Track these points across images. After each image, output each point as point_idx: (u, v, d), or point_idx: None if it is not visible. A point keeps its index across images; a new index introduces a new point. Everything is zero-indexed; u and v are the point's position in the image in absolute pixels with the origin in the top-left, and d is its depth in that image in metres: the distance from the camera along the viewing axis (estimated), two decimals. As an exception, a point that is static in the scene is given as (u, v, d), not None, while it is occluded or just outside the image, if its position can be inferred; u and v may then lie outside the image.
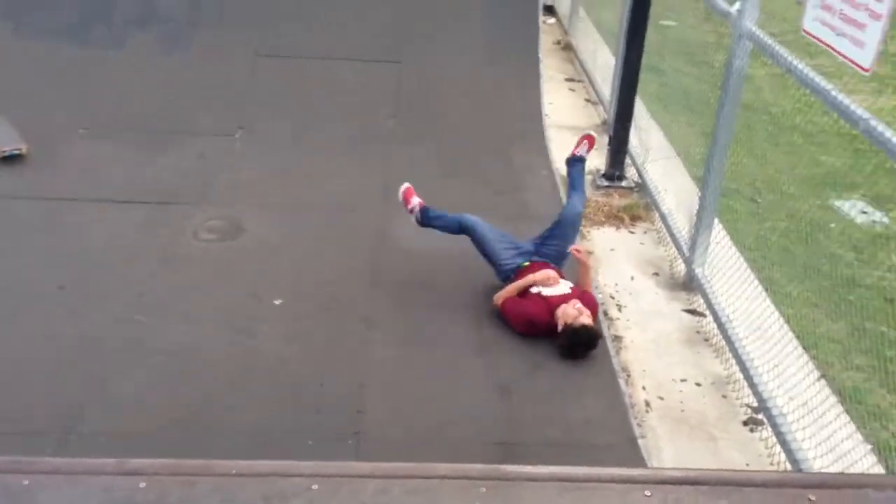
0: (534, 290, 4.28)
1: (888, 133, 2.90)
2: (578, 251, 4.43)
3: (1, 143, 5.68)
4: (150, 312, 4.27)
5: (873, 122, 3.02)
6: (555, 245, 4.57)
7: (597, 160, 6.35)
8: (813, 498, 1.57)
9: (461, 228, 4.64)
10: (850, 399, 3.58)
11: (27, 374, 3.80)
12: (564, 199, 5.67)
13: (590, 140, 5.04)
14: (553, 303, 4.18)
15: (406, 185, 4.91)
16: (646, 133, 6.35)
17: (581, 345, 4.06)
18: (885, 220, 5.50)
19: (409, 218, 4.81)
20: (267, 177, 5.79)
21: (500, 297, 4.34)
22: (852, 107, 3.17)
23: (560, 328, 4.09)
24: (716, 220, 4.70)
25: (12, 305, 4.27)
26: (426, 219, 4.73)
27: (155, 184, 5.57)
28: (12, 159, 5.69)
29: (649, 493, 1.57)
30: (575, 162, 4.98)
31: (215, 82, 6.79)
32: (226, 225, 5.14)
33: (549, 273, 4.34)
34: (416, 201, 4.78)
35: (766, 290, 4.37)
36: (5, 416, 3.53)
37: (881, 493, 1.63)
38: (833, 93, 3.32)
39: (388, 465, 1.71)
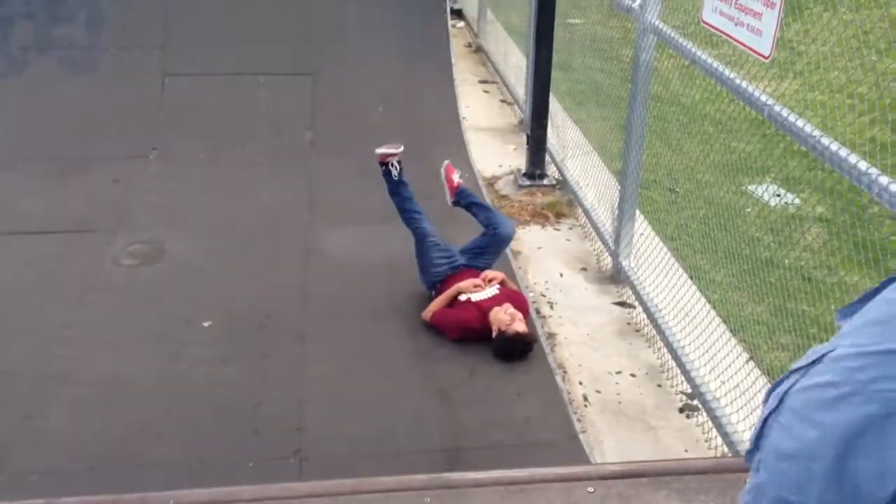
0: (462, 297, 4.28)
1: (791, 117, 3.00)
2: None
3: None
4: (73, 344, 4.12)
5: (777, 108, 3.12)
6: (487, 259, 4.59)
7: (517, 160, 6.43)
8: (753, 480, 1.60)
9: (410, 227, 4.61)
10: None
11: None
12: (487, 200, 5.72)
13: (448, 169, 5.00)
14: (485, 307, 4.19)
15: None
16: (562, 130, 6.45)
17: (516, 352, 4.09)
18: (797, 201, 5.69)
19: (336, 233, 4.76)
20: (186, 197, 5.67)
21: (428, 311, 4.33)
22: (756, 93, 3.27)
23: (494, 334, 4.10)
24: (637, 212, 4.79)
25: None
26: (460, 198, 4.78)
27: (69, 212, 5.39)
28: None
29: (592, 490, 1.59)
30: (463, 195, 4.87)
31: (124, 105, 6.59)
32: (147, 249, 5.00)
33: (473, 281, 4.35)
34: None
35: (692, 277, 4.48)
36: (-76, 465, 3.37)
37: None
38: (737, 81, 3.42)
39: (331, 483, 1.69)
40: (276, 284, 4.70)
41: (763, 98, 3.12)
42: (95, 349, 4.09)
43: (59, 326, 4.25)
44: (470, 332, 4.17)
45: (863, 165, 2.48)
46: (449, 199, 4.91)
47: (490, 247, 4.60)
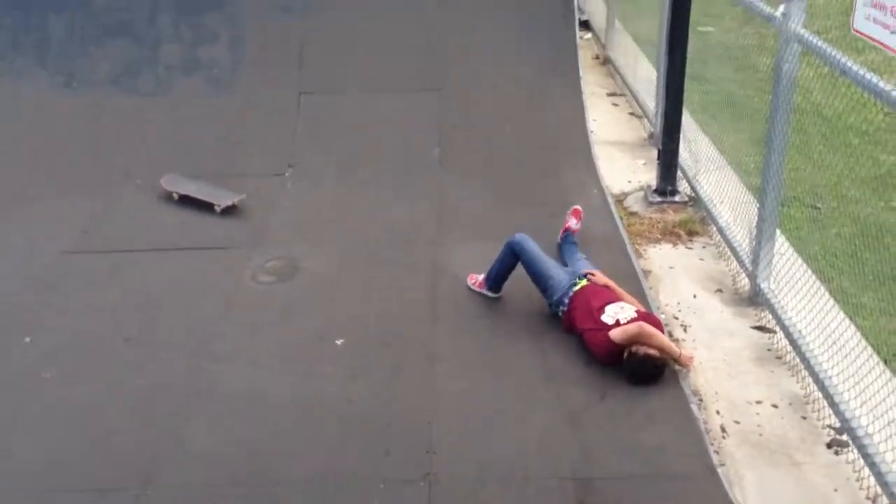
0: (607, 317, 4.18)
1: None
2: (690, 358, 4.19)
3: (218, 199, 5.86)
4: (216, 359, 4.30)
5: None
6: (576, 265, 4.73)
7: (647, 175, 6.28)
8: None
9: (512, 252, 4.63)
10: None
11: (99, 427, 3.84)
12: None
13: (576, 213, 5.27)
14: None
15: (469, 277, 4.92)
16: (695, 144, 6.25)
17: (645, 374, 4.00)
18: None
19: (464, 249, 4.80)
20: (319, 214, 5.83)
21: (624, 336, 4.06)
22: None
23: (625, 356, 4.02)
24: (777, 231, 4.59)
25: (80, 360, 4.33)
26: (491, 281, 4.76)
27: (210, 228, 5.63)
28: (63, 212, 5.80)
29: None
30: (567, 240, 5.11)
31: (261, 123, 6.85)
32: (283, 265, 5.17)
33: (635, 315, 4.23)
34: (481, 278, 4.81)
35: (837, 301, 4.25)
36: (81, 471, 3.58)
37: None
38: (890, 91, 3.21)
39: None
40: (405, 302, 4.76)
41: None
42: (235, 365, 4.25)
43: (202, 341, 4.45)
44: (615, 356, 4.10)
45: None
46: (559, 236, 5.16)
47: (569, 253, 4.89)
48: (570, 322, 4.36)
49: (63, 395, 4.06)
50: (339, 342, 4.39)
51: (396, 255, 5.26)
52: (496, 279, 4.73)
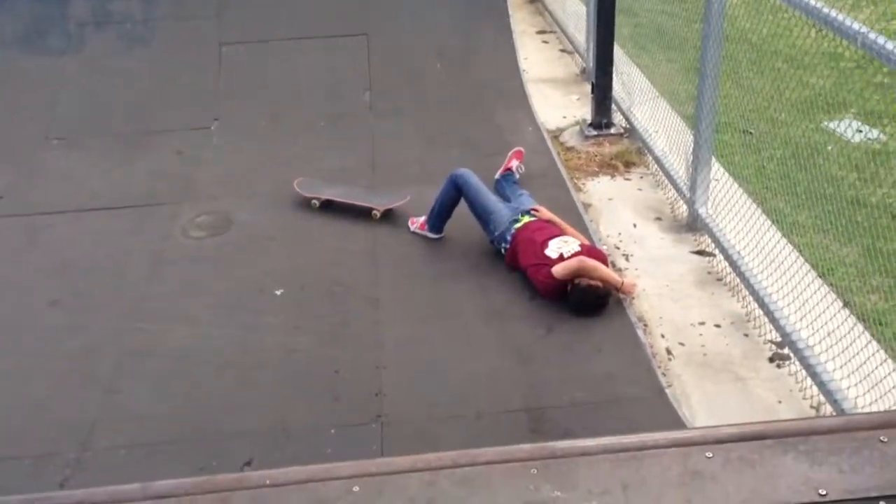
0: (551, 252, 4.14)
1: (889, 45, 2.79)
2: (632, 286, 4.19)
3: (373, 201, 4.98)
4: (150, 318, 4.15)
5: (872, 35, 2.91)
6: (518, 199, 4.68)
7: (582, 110, 6.24)
8: (884, 439, 1.48)
9: (455, 185, 4.55)
10: (875, 323, 3.51)
11: (31, 393, 3.69)
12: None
13: (518, 155, 5.19)
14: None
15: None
16: (627, 77, 6.22)
17: (590, 304, 4.00)
18: (882, 136, 5.40)
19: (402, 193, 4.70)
20: (249, 165, 5.65)
21: (565, 269, 4.02)
22: (847, 22, 3.06)
23: (569, 288, 4.01)
24: (712, 157, 4.60)
25: (6, 325, 4.14)
26: (434, 219, 4.68)
27: (136, 187, 5.41)
28: None
29: (710, 455, 1.48)
30: (507, 179, 5.01)
31: (182, 76, 6.59)
32: (215, 220, 5.00)
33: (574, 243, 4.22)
34: (421, 219, 4.74)
35: (773, 221, 4.29)
36: (16, 438, 3.43)
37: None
38: (825, 10, 3.20)
39: (430, 456, 1.61)
40: (345, 249, 4.66)
41: (855, 26, 2.90)
42: (171, 322, 4.11)
43: (134, 301, 4.29)
44: (557, 290, 4.07)
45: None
46: (497, 175, 5.06)
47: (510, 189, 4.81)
48: (514, 258, 4.31)
49: (-10, 365, 3.88)
50: (278, 293, 4.28)
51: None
52: (438, 216, 4.65)
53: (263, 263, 4.56)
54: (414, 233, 4.74)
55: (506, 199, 4.77)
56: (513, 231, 4.35)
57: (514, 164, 5.10)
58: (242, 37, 6.93)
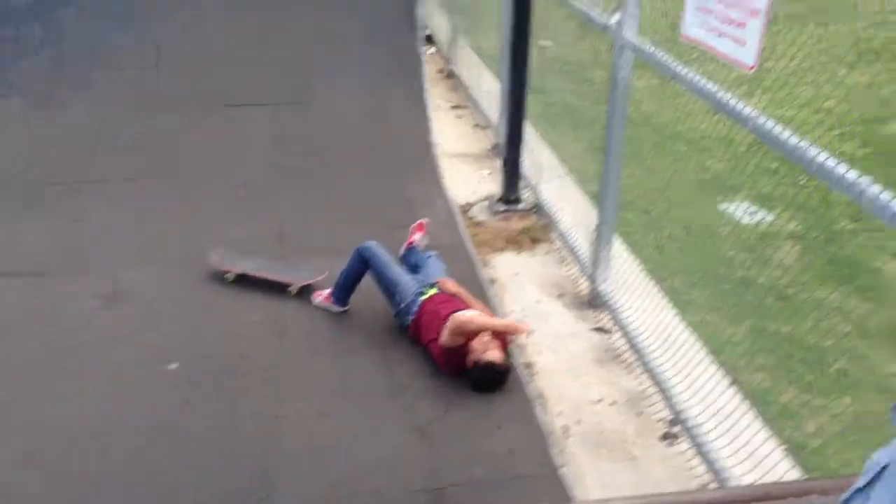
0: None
1: (777, 129, 2.94)
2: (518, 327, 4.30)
3: (291, 276, 4.91)
4: (36, 390, 3.99)
5: (761, 120, 3.07)
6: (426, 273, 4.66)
7: (492, 185, 6.37)
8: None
9: (361, 258, 4.56)
10: (760, 401, 3.63)
11: None
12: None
13: (420, 228, 5.24)
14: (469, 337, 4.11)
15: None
16: (536, 154, 6.41)
17: (490, 381, 4.02)
18: (770, 218, 5.67)
19: (308, 266, 4.68)
20: (151, 233, 5.54)
21: (468, 323, 4.05)
22: (739, 106, 3.22)
23: (469, 364, 4.03)
24: (614, 235, 4.74)
25: None
26: (339, 293, 4.66)
27: (24, 252, 5.24)
28: None
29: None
30: (412, 253, 5.02)
31: (86, 136, 6.49)
32: (109, 289, 4.87)
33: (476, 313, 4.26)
34: (326, 292, 4.72)
35: (669, 299, 4.43)
36: None
37: (826, 497, 1.60)
38: (720, 94, 3.36)
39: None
40: (246, 322, 4.60)
41: (747, 110, 3.06)
42: (57, 397, 3.95)
43: (16, 374, 4.12)
44: (455, 364, 4.08)
45: (852, 175, 2.42)
46: (402, 250, 5.06)
47: (424, 268, 4.72)
48: (416, 332, 4.33)
49: None
50: (172, 366, 4.17)
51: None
52: (343, 289, 4.64)
53: (159, 335, 4.45)
54: (318, 306, 4.72)
55: (413, 268, 4.80)
56: (418, 304, 4.37)
57: (417, 237, 5.15)
58: (157, 101, 6.89)
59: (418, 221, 5.28)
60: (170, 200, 5.96)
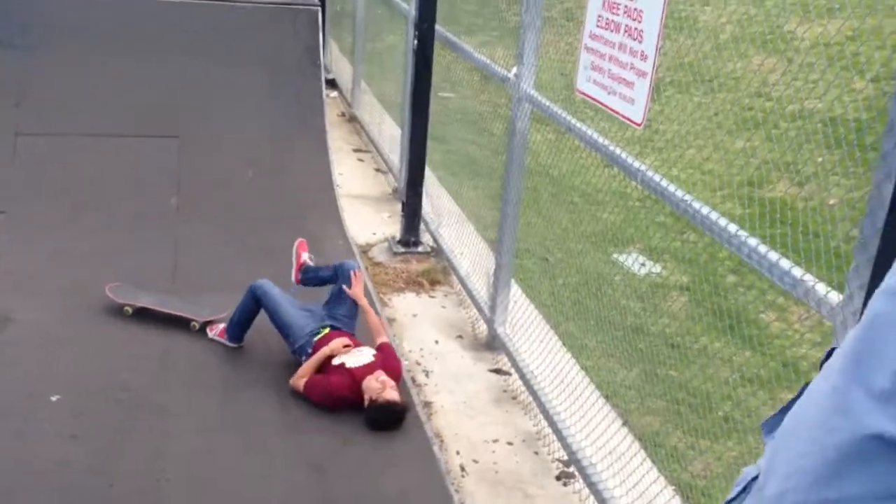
0: (336, 361, 4.15)
1: (664, 182, 3.09)
2: (349, 288, 4.45)
3: (194, 312, 4.72)
4: None
5: (650, 174, 3.22)
6: (342, 310, 4.51)
7: (392, 227, 6.40)
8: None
9: (254, 297, 4.46)
10: (650, 443, 3.73)
11: None
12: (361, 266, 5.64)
13: (302, 246, 5.00)
14: (358, 375, 4.07)
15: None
16: (436, 199, 6.49)
17: (388, 421, 3.99)
18: (659, 270, 5.90)
19: (202, 300, 4.54)
20: (37, 262, 5.28)
21: (298, 379, 4.16)
22: (629, 160, 3.36)
23: (366, 403, 3.99)
24: (512, 280, 4.82)
25: None
26: (233, 329, 4.55)
27: None
28: None
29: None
30: (307, 272, 4.84)
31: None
32: (-10, 317, 4.61)
33: (343, 340, 4.24)
34: (221, 327, 4.59)
35: (565, 343, 4.52)
36: None
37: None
38: (611, 147, 3.51)
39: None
40: (136, 354, 4.41)
41: (636, 164, 3.20)
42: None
43: None
44: (341, 401, 4.03)
45: (732, 227, 2.56)
46: (293, 276, 4.83)
47: (338, 293, 4.54)
48: (312, 372, 4.25)
49: None
50: (54, 398, 3.95)
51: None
52: (238, 325, 4.53)
53: (41, 367, 4.21)
54: (212, 339, 4.58)
55: (321, 283, 4.69)
56: (313, 343, 4.30)
57: (304, 256, 4.94)
58: (42, 128, 6.61)
59: (298, 240, 5.01)
60: (58, 231, 5.70)
